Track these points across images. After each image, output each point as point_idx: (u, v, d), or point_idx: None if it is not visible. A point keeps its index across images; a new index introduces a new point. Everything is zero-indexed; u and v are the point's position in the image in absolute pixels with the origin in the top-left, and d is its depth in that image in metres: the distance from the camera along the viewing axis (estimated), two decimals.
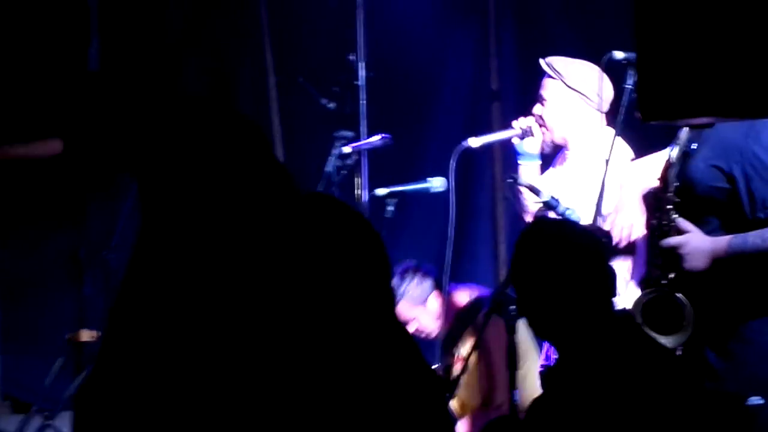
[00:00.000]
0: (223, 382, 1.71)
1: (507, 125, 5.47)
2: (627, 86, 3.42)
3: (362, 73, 5.29)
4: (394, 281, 4.77)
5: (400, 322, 1.91)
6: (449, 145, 6.13)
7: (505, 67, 6.09)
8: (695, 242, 3.13)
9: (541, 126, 4.09)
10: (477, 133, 6.12)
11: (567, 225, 2.96)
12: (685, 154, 3.23)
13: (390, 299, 1.87)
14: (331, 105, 5.47)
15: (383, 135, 4.87)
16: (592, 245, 2.69)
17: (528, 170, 4.20)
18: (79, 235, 5.70)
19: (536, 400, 2.64)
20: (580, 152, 3.95)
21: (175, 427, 1.69)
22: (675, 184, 3.18)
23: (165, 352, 1.73)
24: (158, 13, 5.84)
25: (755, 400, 3.09)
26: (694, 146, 3.23)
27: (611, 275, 2.68)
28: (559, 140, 4.06)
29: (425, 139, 6.05)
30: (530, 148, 4.15)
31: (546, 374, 2.72)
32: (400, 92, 5.95)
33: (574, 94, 4.04)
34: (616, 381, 2.53)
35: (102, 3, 5.66)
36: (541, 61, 3.83)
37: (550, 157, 4.28)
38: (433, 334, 4.80)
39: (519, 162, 4.25)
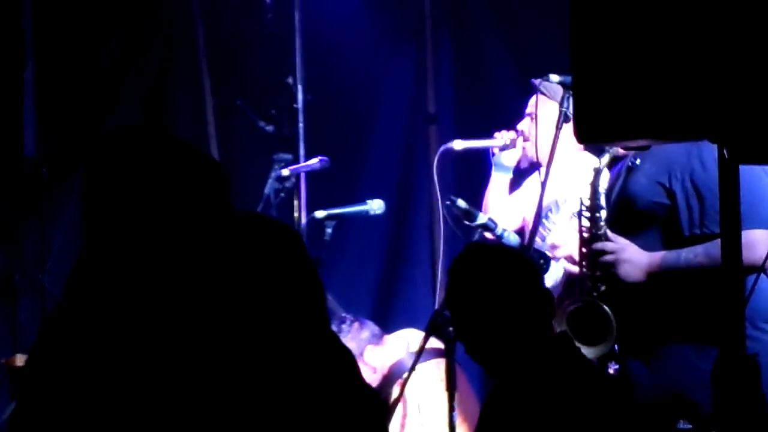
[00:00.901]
0: (152, 406, 1.69)
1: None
2: (563, 108, 3.46)
3: (300, 96, 5.29)
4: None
5: (336, 339, 1.90)
6: (387, 168, 6.18)
7: (442, 91, 6.12)
8: (631, 251, 3.16)
9: (525, 141, 4.10)
10: (414, 157, 6.18)
11: (501, 249, 2.97)
12: (628, 168, 3.27)
13: (324, 318, 1.87)
14: (269, 128, 5.46)
15: (321, 158, 4.88)
16: (527, 268, 2.69)
17: (499, 181, 4.24)
18: (13, 258, 5.61)
19: (479, 423, 2.64)
20: (561, 170, 3.94)
21: None
22: (602, 192, 3.21)
23: (96, 375, 1.71)
24: (94, 37, 5.80)
25: (684, 424, 3.12)
26: (637, 161, 3.26)
27: (547, 298, 2.68)
28: (541, 157, 4.06)
29: (363, 161, 6.06)
30: (507, 160, 4.17)
31: (484, 400, 2.71)
32: (339, 115, 5.95)
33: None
34: (553, 406, 2.54)
35: (37, 26, 5.60)
36: (534, 81, 3.86)
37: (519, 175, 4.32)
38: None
39: (493, 172, 4.27)
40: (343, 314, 4.88)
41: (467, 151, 4.34)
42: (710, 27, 2.08)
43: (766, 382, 2.19)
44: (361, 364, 4.60)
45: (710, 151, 3.09)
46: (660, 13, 2.13)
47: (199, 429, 1.70)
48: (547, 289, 2.71)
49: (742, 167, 2.94)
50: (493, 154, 4.17)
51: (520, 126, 4.09)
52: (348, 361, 1.88)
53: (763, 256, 3.01)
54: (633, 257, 3.15)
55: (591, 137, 2.36)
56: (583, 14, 2.25)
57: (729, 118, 2.09)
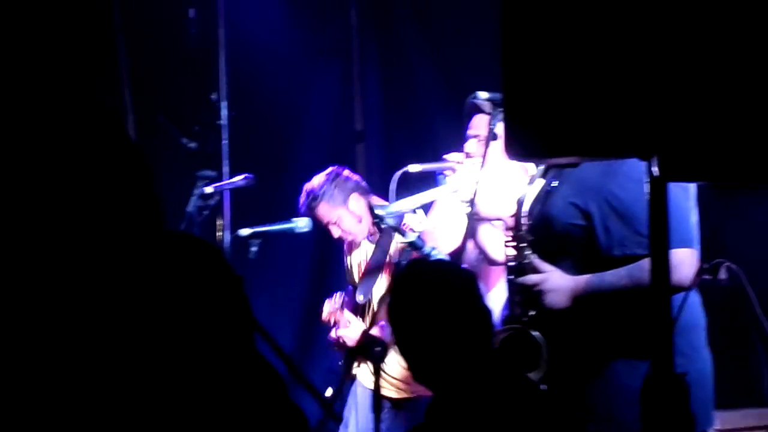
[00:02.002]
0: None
1: (370, 165, 5.50)
2: (491, 126, 3.45)
3: (224, 112, 5.23)
4: (319, 184, 4.76)
5: (261, 357, 1.86)
6: None
7: (368, 108, 6.11)
8: (554, 280, 3.16)
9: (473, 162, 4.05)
10: None
11: (443, 266, 2.95)
12: (547, 192, 3.27)
13: (250, 338, 1.83)
14: (192, 144, 5.39)
15: (246, 175, 4.82)
16: (467, 285, 2.68)
17: (445, 202, 4.22)
18: None
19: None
20: (497, 189, 3.91)
21: None
22: (527, 222, 3.21)
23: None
24: (11, 48, 5.68)
25: None
26: (554, 184, 3.27)
27: (487, 314, 2.68)
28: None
29: (289, 179, 6.01)
30: (455, 182, 4.12)
31: (426, 411, 2.69)
32: (263, 132, 5.91)
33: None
34: (491, 422, 2.52)
35: None
36: (472, 101, 3.79)
37: None
38: (359, 238, 4.72)
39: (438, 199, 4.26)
40: (330, 169, 4.86)
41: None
42: (639, 45, 2.08)
43: (695, 398, 2.18)
44: (343, 211, 4.65)
45: (626, 171, 3.11)
46: (590, 33, 2.12)
47: None
48: (487, 307, 2.70)
49: None
50: (444, 176, 4.12)
51: (466, 148, 4.04)
52: (274, 379, 1.84)
53: (687, 275, 3.03)
54: (556, 285, 3.16)
55: (519, 154, 2.34)
56: (513, 32, 2.24)
57: (657, 135, 2.09)
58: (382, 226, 3.54)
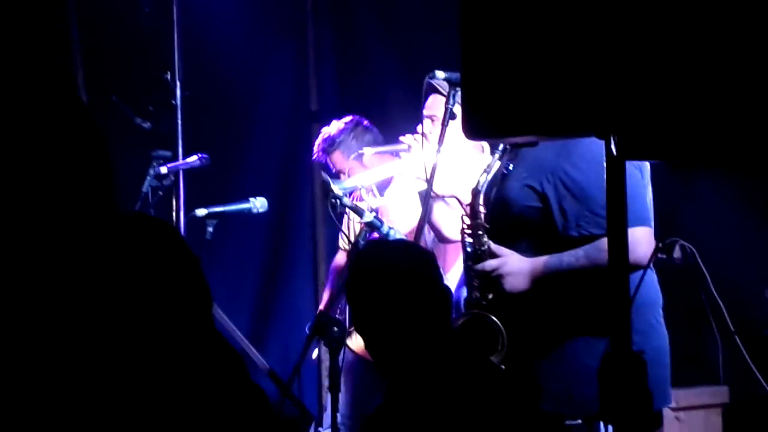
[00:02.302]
0: (25, 413, 1.61)
1: None
2: (448, 105, 3.43)
3: (179, 91, 5.17)
4: (338, 131, 4.72)
5: (220, 337, 1.84)
6: (268, 166, 6.11)
7: (324, 88, 6.08)
8: (513, 264, 3.17)
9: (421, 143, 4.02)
10: (296, 155, 6.13)
11: (402, 246, 2.94)
12: (503, 175, 3.27)
13: (209, 317, 1.81)
14: (146, 124, 5.33)
15: (201, 155, 4.78)
16: (427, 265, 2.67)
17: (402, 184, 4.20)
18: None
19: (369, 418, 2.60)
20: (453, 169, 3.90)
21: None
22: (483, 211, 3.21)
23: None
24: None
25: (572, 422, 3.14)
26: (510, 167, 3.27)
27: (447, 295, 2.67)
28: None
29: (243, 159, 5.98)
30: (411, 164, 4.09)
31: (384, 393, 2.68)
32: (218, 112, 5.86)
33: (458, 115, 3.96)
34: (450, 403, 2.52)
35: None
36: (429, 81, 3.76)
37: None
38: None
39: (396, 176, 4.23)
40: (350, 117, 4.82)
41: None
42: (597, 25, 2.08)
43: (653, 376, 2.19)
44: (355, 164, 4.58)
45: (580, 151, 3.13)
46: (548, 11, 2.12)
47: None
48: (447, 288, 2.69)
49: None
50: (399, 157, 4.09)
51: (419, 128, 4.01)
52: (234, 361, 1.82)
53: (644, 253, 3.05)
54: (515, 268, 3.16)
55: (478, 133, 2.34)
56: (471, 11, 2.23)
57: (615, 114, 2.09)
58: (339, 207, 3.52)
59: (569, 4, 2.09)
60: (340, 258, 4.93)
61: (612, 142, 2.13)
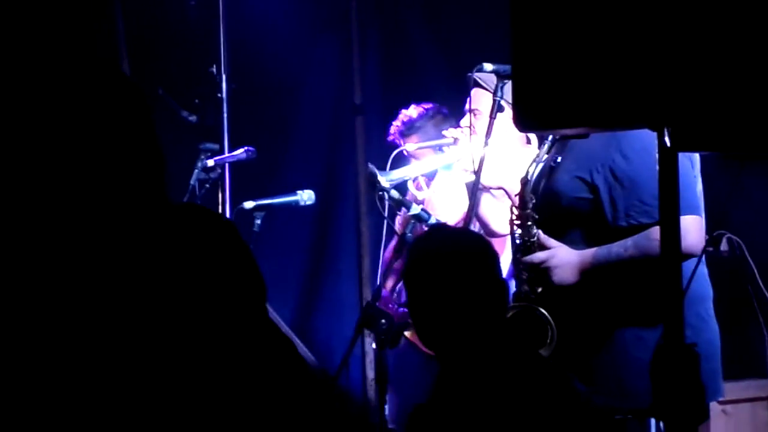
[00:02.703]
0: (78, 402, 1.62)
1: (370, 139, 5.48)
2: (496, 98, 3.43)
3: (224, 85, 5.19)
4: (418, 115, 4.70)
5: (276, 328, 1.85)
6: (312, 159, 6.13)
7: (368, 81, 6.08)
8: (561, 256, 3.16)
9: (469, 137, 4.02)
10: (340, 148, 6.14)
11: (464, 233, 2.94)
12: (551, 167, 3.26)
13: (263, 308, 1.82)
14: (192, 118, 5.35)
15: (247, 148, 4.80)
16: (485, 255, 2.67)
17: (445, 179, 4.19)
18: None
19: (417, 408, 2.61)
20: (500, 162, 3.89)
21: None
22: (533, 201, 3.20)
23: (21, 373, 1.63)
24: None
25: (622, 415, 3.13)
26: (558, 159, 3.26)
27: (503, 285, 2.67)
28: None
29: (288, 152, 6.00)
30: (453, 158, 4.08)
31: (433, 383, 2.68)
32: (263, 105, 5.87)
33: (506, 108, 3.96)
34: (500, 394, 2.52)
35: None
36: (471, 75, 3.76)
37: None
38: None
39: (439, 170, 4.21)
40: (430, 104, 4.79)
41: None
42: (651, 16, 2.07)
43: (704, 369, 2.18)
44: (427, 151, 4.50)
45: (629, 142, 3.12)
46: (601, 2, 2.11)
47: (133, 423, 1.63)
48: (504, 280, 2.69)
49: None
50: (442, 152, 4.07)
51: (463, 122, 4.00)
52: (289, 349, 1.83)
53: (695, 242, 3.04)
54: (563, 261, 3.16)
55: (530, 126, 2.35)
56: (522, 2, 2.23)
57: (668, 105, 2.08)
58: (386, 199, 3.53)
59: None
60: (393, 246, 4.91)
61: (665, 133, 2.12)
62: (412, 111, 4.80)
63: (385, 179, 3.59)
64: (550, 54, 2.16)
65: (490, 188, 3.64)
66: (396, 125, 4.79)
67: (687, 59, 2.05)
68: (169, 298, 1.69)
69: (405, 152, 4.31)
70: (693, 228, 3.06)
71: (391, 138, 4.82)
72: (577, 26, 2.14)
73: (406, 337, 4.19)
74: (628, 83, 2.08)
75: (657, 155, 2.96)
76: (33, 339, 1.63)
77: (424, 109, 4.79)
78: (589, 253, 3.15)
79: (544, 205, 3.23)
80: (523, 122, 2.25)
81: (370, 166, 3.91)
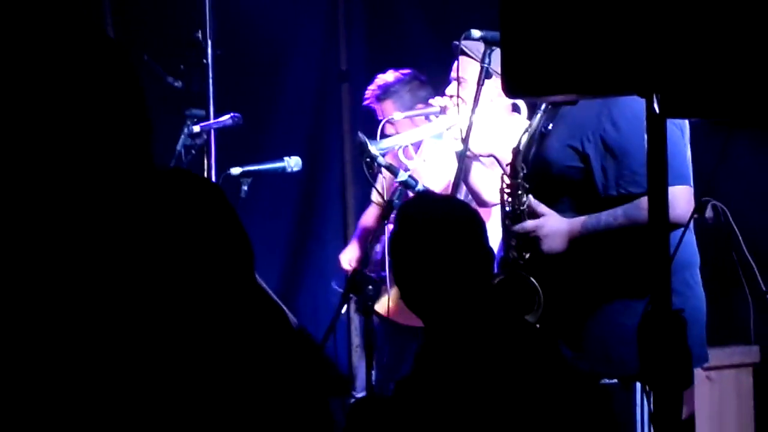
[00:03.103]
0: (66, 367, 1.61)
1: (356, 105, 5.47)
2: (484, 65, 3.42)
3: (210, 51, 5.16)
4: (395, 79, 4.73)
5: (265, 293, 1.85)
6: (298, 126, 6.11)
7: (354, 48, 6.06)
8: (551, 225, 3.17)
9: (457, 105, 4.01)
10: (326, 114, 6.12)
11: (450, 200, 2.94)
12: (542, 135, 3.26)
13: (252, 273, 1.81)
14: (178, 84, 5.31)
15: (233, 114, 4.78)
16: (472, 222, 2.67)
17: (434, 148, 4.19)
18: None
19: (401, 380, 2.62)
20: (487, 129, 3.88)
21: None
22: (524, 170, 3.20)
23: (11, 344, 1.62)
24: None
25: (608, 381, 3.15)
26: (549, 126, 3.26)
27: (489, 253, 2.67)
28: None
29: (274, 118, 5.98)
30: (442, 127, 4.07)
31: (416, 353, 2.69)
32: (249, 71, 5.85)
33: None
34: (485, 360, 2.53)
35: None
36: (456, 43, 3.74)
37: None
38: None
39: (428, 139, 4.22)
40: (408, 70, 4.82)
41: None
42: None
43: (690, 335, 2.20)
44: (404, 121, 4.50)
45: (620, 110, 3.11)
46: None
47: (118, 390, 1.63)
48: (489, 247, 2.69)
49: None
50: (429, 121, 4.06)
51: (448, 91, 3.99)
52: (279, 316, 1.83)
53: (683, 212, 3.05)
54: (553, 229, 3.16)
55: (519, 91, 2.35)
56: None
57: (656, 72, 2.08)
58: (375, 165, 3.52)
59: None
60: (371, 213, 4.93)
61: (654, 100, 2.12)
62: (389, 75, 4.81)
63: (375, 148, 3.59)
64: (538, 20, 2.16)
65: (480, 156, 3.64)
66: (371, 89, 4.81)
67: (676, 25, 2.05)
68: (157, 262, 1.68)
69: (391, 120, 4.30)
70: (682, 198, 3.07)
71: (366, 102, 4.84)
72: None
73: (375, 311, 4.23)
74: (616, 49, 2.08)
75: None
76: (17, 301, 1.62)
77: (402, 74, 4.81)
78: (578, 221, 3.15)
79: (534, 173, 3.23)
80: (511, 88, 2.25)
81: (360, 134, 3.90)
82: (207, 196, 1.78)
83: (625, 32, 2.07)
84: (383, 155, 3.57)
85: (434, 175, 4.29)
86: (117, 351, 1.63)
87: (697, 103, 2.15)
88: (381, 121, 4.49)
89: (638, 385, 3.12)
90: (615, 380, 3.15)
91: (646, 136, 2.96)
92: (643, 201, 3.01)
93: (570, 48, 2.12)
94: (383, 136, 4.00)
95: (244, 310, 1.76)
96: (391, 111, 4.63)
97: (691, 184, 3.15)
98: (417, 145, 4.41)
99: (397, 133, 4.32)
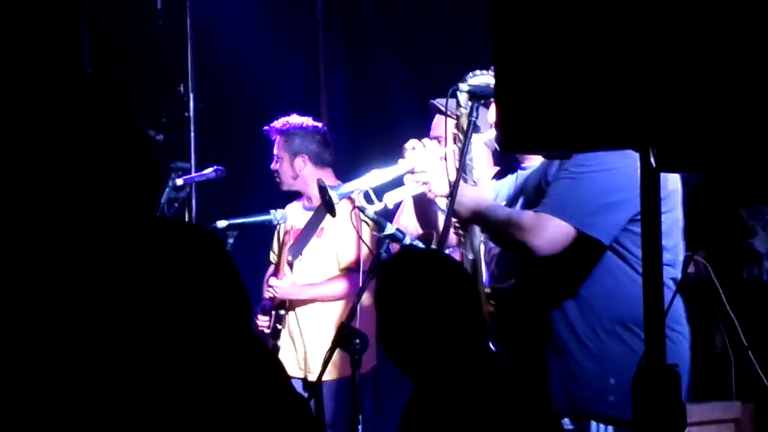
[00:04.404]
0: (58, 413, 1.60)
1: (337, 159, 5.48)
2: (472, 119, 3.43)
3: (192, 104, 5.18)
4: (295, 124, 5.00)
5: (260, 342, 1.84)
6: None
7: (335, 101, 6.09)
8: (468, 190, 3.32)
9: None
10: None
11: (436, 256, 2.92)
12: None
13: (248, 321, 1.81)
14: (160, 137, 5.33)
15: (216, 167, 4.79)
16: (463, 280, 2.64)
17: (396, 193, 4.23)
18: None
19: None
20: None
21: None
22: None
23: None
24: None
25: (569, 425, 3.18)
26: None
27: (478, 310, 2.63)
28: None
29: (256, 170, 5.98)
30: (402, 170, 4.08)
31: (404, 408, 2.66)
32: (231, 124, 5.87)
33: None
34: (472, 417, 2.50)
35: None
36: (434, 102, 3.77)
37: None
38: (282, 186, 5.04)
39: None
40: (320, 126, 5.09)
41: None
42: (634, 37, 2.08)
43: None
44: (288, 159, 4.80)
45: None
46: (584, 23, 2.12)
47: None
48: (479, 303, 2.66)
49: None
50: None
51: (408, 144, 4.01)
52: (274, 365, 1.82)
53: (546, 242, 3.12)
54: (464, 192, 3.30)
55: (514, 147, 2.35)
56: (504, 22, 2.23)
57: (652, 126, 2.09)
58: (363, 218, 3.51)
59: (606, 15, 2.10)
60: (271, 272, 5.01)
61: (651, 154, 2.14)
62: (295, 118, 5.07)
63: (335, 193, 3.61)
64: (533, 74, 2.17)
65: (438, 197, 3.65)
66: (279, 121, 5.04)
67: (671, 80, 2.07)
68: (155, 308, 1.67)
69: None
70: (551, 230, 3.12)
71: (266, 128, 5.04)
72: (561, 46, 2.14)
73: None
74: (613, 104, 2.09)
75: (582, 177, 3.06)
76: (18, 352, 1.61)
77: (310, 125, 5.06)
78: (485, 203, 3.30)
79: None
80: (507, 144, 2.25)
81: (320, 180, 3.92)
82: (205, 245, 1.79)
83: (621, 87, 2.08)
84: (342, 199, 3.61)
85: (399, 220, 4.33)
86: (114, 401, 1.62)
87: (693, 157, 2.17)
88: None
89: (593, 425, 3.14)
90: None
91: (575, 176, 3.12)
92: (525, 215, 3.18)
93: (565, 103, 2.13)
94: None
95: (239, 358, 1.75)
96: (279, 147, 4.95)
97: (582, 228, 3.13)
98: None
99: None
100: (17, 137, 1.64)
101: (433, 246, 3.56)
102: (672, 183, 3.22)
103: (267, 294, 4.88)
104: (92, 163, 1.67)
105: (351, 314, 3.52)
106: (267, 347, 1.85)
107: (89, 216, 1.66)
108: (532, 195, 3.28)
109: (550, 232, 3.12)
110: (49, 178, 1.64)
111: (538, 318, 3.24)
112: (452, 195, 3.36)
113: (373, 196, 4.15)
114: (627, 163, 2.75)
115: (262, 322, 4.95)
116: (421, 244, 3.51)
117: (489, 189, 3.61)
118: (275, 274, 4.90)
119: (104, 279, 1.65)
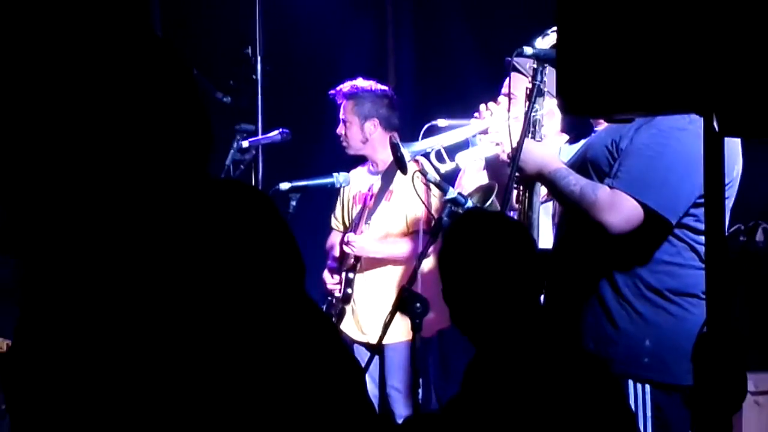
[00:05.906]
0: (133, 378, 1.62)
1: (403, 123, 5.48)
2: (536, 82, 3.40)
3: (259, 67, 5.20)
4: (365, 87, 5.03)
5: (315, 305, 1.84)
6: None
7: (402, 64, 6.08)
8: (530, 143, 3.31)
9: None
10: None
11: (500, 217, 2.94)
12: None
13: (302, 284, 1.81)
14: (227, 99, 5.36)
15: (282, 130, 4.80)
16: (524, 239, 2.67)
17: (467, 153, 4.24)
18: None
19: (451, 399, 2.60)
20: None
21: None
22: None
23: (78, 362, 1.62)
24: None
25: None
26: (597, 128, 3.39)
27: (539, 272, 2.66)
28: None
29: (322, 134, 6.00)
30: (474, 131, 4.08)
31: (465, 370, 2.68)
32: (298, 87, 5.88)
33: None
34: (531, 378, 2.51)
35: None
36: (509, 59, 3.75)
37: None
38: (350, 150, 5.07)
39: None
40: (386, 88, 5.12)
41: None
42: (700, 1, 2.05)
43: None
44: (357, 123, 4.87)
45: (656, 122, 3.12)
46: None
47: (176, 406, 1.63)
48: (540, 266, 2.68)
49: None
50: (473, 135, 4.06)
51: (499, 105, 3.98)
52: (329, 328, 1.82)
53: (619, 221, 3.09)
54: (530, 149, 3.29)
55: (576, 110, 2.32)
56: None
57: (716, 91, 2.06)
58: (425, 181, 3.51)
59: None
60: (334, 239, 5.00)
61: (713, 118, 2.11)
62: (367, 83, 5.05)
63: (407, 150, 3.61)
64: (596, 38, 2.14)
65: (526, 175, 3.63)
66: (345, 85, 5.05)
67: (736, 42, 2.03)
68: (207, 271, 1.67)
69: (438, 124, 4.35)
70: (625, 207, 3.09)
71: (332, 93, 5.06)
72: (625, 9, 2.12)
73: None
74: (675, 67, 2.06)
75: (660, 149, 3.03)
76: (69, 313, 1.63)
77: (378, 88, 5.05)
78: (554, 166, 3.25)
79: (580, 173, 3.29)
80: (568, 107, 2.23)
81: (393, 136, 3.91)
82: (259, 207, 1.78)
83: (684, 50, 2.05)
84: (414, 157, 3.61)
85: (468, 181, 4.30)
86: (163, 361, 1.63)
87: (757, 122, 2.13)
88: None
89: (630, 382, 3.13)
90: None
91: (653, 153, 3.08)
92: (600, 191, 3.12)
93: (628, 66, 2.10)
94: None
95: (293, 321, 1.75)
96: (348, 111, 4.93)
97: (654, 207, 3.10)
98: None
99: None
100: (75, 91, 1.65)
101: (494, 197, 3.58)
102: (736, 170, 3.19)
103: (345, 249, 4.88)
104: (148, 123, 1.68)
105: (412, 278, 3.53)
106: (322, 311, 1.85)
107: (138, 176, 1.67)
108: (597, 161, 3.25)
109: (627, 211, 3.10)
110: (106, 132, 1.65)
111: (583, 276, 3.24)
112: (516, 153, 3.34)
113: (445, 156, 4.15)
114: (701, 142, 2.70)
115: (332, 285, 4.97)
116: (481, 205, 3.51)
117: (555, 147, 3.58)
118: (351, 232, 4.92)
119: (154, 242, 1.66)
